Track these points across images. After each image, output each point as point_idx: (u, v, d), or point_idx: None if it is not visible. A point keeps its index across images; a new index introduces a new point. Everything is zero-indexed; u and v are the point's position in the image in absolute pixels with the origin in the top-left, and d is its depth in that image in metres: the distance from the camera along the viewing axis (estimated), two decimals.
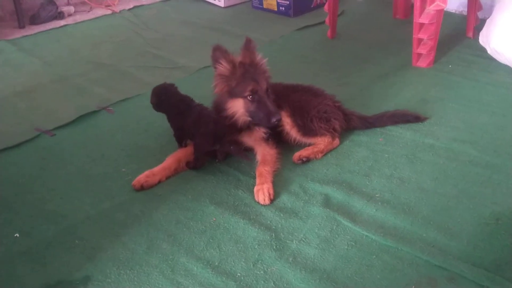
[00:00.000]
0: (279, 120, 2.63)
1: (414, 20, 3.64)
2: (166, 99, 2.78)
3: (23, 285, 2.05)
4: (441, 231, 2.21)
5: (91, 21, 5.21)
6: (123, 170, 2.76)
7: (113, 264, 2.13)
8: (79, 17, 5.29)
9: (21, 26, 5.07)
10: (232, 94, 2.64)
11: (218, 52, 2.62)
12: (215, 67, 2.66)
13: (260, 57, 2.73)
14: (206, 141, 2.63)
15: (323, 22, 4.51)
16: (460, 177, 2.56)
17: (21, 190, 2.63)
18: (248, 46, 2.69)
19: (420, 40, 3.73)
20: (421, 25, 3.65)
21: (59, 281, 2.05)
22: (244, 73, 2.62)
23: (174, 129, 2.84)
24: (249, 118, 2.68)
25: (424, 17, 3.61)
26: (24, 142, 3.03)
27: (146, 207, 2.47)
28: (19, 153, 2.95)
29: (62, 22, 5.16)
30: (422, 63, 3.77)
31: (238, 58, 2.66)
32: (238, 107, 2.65)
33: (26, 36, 4.83)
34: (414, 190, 2.48)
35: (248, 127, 2.73)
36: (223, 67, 2.63)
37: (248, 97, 2.61)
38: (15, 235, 2.31)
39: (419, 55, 3.77)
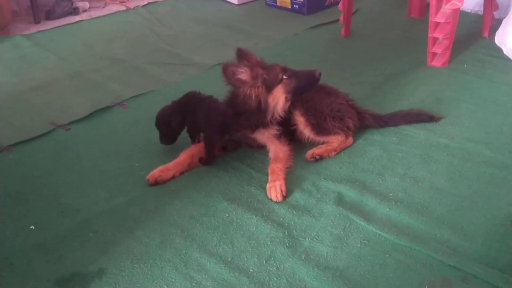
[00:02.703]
0: (320, 73, 2.70)
1: (430, 19, 3.61)
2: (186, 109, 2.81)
3: (38, 277, 2.08)
4: (455, 231, 2.20)
5: (106, 17, 5.25)
6: (137, 165, 2.78)
7: (127, 258, 2.15)
8: (93, 13, 5.33)
9: (37, 22, 5.12)
10: (269, 87, 2.65)
11: (231, 66, 2.63)
12: (236, 81, 2.63)
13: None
14: (215, 133, 2.66)
15: (337, 20, 4.50)
16: (475, 177, 2.55)
17: (36, 183, 2.66)
18: (244, 53, 2.72)
19: (435, 39, 3.70)
20: (437, 24, 3.62)
21: (74, 274, 2.08)
22: (264, 66, 2.67)
23: (187, 125, 2.86)
24: (289, 103, 2.71)
25: (440, 16, 3.59)
26: (40, 136, 3.07)
27: (159, 202, 2.48)
28: (35, 147, 2.98)
29: (76, 18, 5.20)
30: (437, 63, 3.74)
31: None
32: (279, 95, 2.67)
33: (42, 31, 4.87)
34: (428, 190, 2.47)
35: (262, 124, 2.73)
36: (244, 72, 2.62)
37: (284, 77, 2.65)
38: (31, 227, 2.34)
39: (434, 54, 3.75)
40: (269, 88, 2.65)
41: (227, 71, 2.63)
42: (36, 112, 3.40)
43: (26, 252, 2.20)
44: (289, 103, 2.73)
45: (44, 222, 2.37)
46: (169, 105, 2.87)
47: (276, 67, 2.68)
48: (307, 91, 2.76)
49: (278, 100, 2.68)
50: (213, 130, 2.67)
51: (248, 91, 2.64)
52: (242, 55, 2.72)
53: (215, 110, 2.69)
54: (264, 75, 2.64)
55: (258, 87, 2.64)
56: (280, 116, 2.73)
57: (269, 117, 2.71)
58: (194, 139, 2.86)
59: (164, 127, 2.81)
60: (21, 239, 2.28)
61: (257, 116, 2.70)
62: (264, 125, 2.73)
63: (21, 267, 2.13)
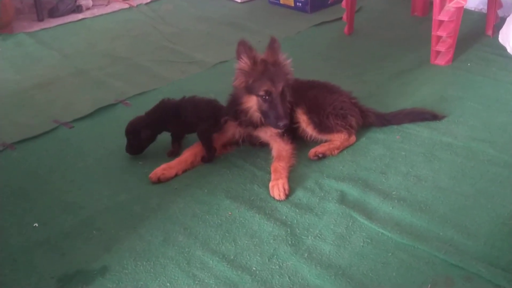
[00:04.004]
0: (286, 125, 2.61)
1: (434, 17, 3.60)
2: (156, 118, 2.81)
3: (41, 274, 2.09)
4: (458, 230, 2.20)
5: (109, 15, 5.25)
6: (140, 163, 2.79)
7: (130, 255, 2.16)
8: (96, 11, 5.33)
9: (40, 19, 5.13)
10: (248, 90, 2.63)
11: (242, 47, 2.60)
12: (238, 59, 2.65)
13: (284, 58, 2.68)
14: (208, 125, 2.70)
15: (340, 19, 4.49)
16: (478, 176, 2.54)
17: (40, 180, 2.67)
18: (272, 46, 2.65)
19: (439, 38, 3.69)
20: (441, 22, 3.61)
21: (77, 271, 2.09)
22: (263, 72, 2.59)
23: (172, 131, 2.87)
24: (260, 115, 2.68)
25: (444, 14, 3.57)
26: (43, 133, 3.08)
27: (162, 200, 2.49)
28: (38, 144, 2.99)
29: (80, 16, 5.20)
30: (441, 61, 3.73)
31: (261, 55, 2.64)
32: (251, 103, 2.65)
33: (45, 29, 4.88)
34: (431, 189, 2.46)
35: (262, 123, 2.72)
36: (244, 62, 2.61)
37: (262, 96, 2.60)
38: (34, 224, 2.35)
39: (438, 52, 3.74)
40: (247, 91, 2.62)
41: (239, 47, 2.61)
42: (39, 109, 3.41)
43: (29, 249, 2.21)
44: (260, 116, 2.67)
45: (47, 220, 2.38)
46: (141, 116, 2.83)
47: (266, 84, 2.56)
48: (267, 123, 2.67)
49: (250, 106, 2.65)
50: (205, 123, 2.70)
51: (237, 75, 2.65)
52: (270, 46, 2.64)
53: (201, 103, 2.76)
54: (252, 79, 2.59)
55: (242, 80, 2.63)
56: (253, 120, 2.69)
57: (243, 115, 2.69)
58: (175, 143, 2.86)
59: (133, 137, 2.77)
60: (25, 236, 2.29)
61: (235, 106, 2.70)
62: (266, 123, 2.72)
63: (24, 264, 2.14)
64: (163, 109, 2.83)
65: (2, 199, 2.54)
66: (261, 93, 2.59)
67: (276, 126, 2.62)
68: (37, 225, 2.35)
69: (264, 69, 2.60)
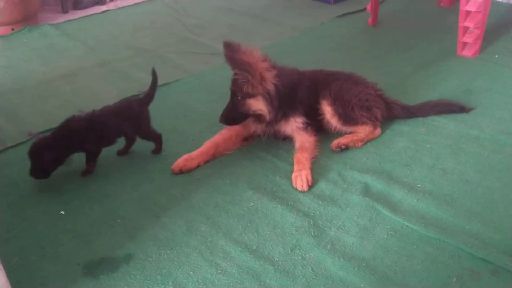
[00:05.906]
0: (221, 122, 2.72)
1: (461, 8, 3.53)
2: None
3: (67, 261, 2.12)
4: (485, 224, 2.16)
5: (132, 6, 5.29)
6: (163, 153, 2.80)
7: (154, 244, 2.18)
8: (120, 3, 5.38)
9: (64, 11, 5.20)
10: None
11: (228, 50, 2.57)
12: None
13: (262, 65, 2.58)
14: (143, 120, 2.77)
15: (365, 9, 4.44)
16: (506, 169, 2.48)
17: (65, 170, 2.70)
18: (239, 60, 2.56)
19: (466, 29, 3.61)
20: (468, 12, 3.54)
21: (102, 258, 2.12)
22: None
23: (86, 149, 2.68)
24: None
25: (472, 4, 3.50)
26: None
27: (185, 190, 2.50)
28: None
29: (103, 8, 5.27)
30: (468, 52, 3.66)
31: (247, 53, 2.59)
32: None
33: (69, 20, 4.96)
34: (457, 182, 2.42)
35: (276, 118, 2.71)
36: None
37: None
38: (61, 212, 2.39)
39: (465, 44, 3.66)
40: None
41: (223, 49, 2.60)
42: (64, 100, 3.46)
43: (56, 237, 2.25)
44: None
45: (73, 208, 2.42)
46: (46, 137, 2.60)
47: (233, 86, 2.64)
48: None
49: None
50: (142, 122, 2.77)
51: None
52: (235, 57, 2.57)
53: (121, 107, 2.77)
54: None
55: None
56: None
57: None
58: (92, 162, 2.68)
59: (36, 160, 2.53)
60: (51, 223, 2.33)
61: None
62: (286, 116, 2.70)
63: (51, 251, 2.18)
64: (72, 128, 2.59)
65: (29, 187, 2.59)
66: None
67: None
68: (63, 213, 2.39)
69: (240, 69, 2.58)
